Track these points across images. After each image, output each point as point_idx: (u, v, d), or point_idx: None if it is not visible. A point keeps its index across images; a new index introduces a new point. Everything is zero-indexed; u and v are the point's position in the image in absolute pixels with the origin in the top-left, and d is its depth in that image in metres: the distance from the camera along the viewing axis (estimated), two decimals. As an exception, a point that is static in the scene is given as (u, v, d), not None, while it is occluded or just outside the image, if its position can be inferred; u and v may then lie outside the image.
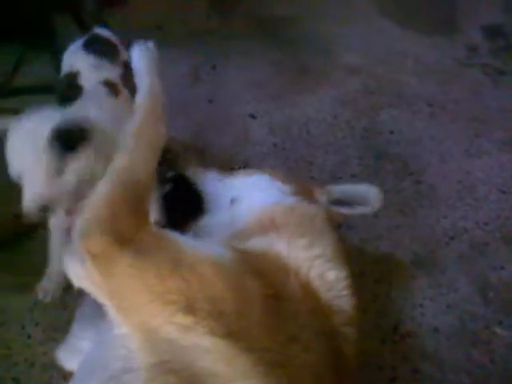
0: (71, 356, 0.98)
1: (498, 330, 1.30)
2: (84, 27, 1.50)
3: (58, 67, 1.63)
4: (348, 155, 1.62)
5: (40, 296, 1.18)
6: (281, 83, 1.83)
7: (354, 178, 1.56)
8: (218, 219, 1.14)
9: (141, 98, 1.02)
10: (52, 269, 1.19)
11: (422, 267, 1.38)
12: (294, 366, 0.80)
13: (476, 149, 1.71)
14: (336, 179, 1.54)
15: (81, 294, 1.11)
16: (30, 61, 1.71)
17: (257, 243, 0.97)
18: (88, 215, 0.81)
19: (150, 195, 0.91)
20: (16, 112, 1.02)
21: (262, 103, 1.72)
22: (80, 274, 0.82)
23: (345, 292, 0.95)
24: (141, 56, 1.11)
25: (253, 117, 1.66)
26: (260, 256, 0.93)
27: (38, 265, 1.20)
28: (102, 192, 0.84)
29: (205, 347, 0.73)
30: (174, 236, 0.85)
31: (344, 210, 1.13)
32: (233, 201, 1.14)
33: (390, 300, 1.32)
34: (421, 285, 1.35)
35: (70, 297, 1.19)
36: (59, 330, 1.13)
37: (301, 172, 1.55)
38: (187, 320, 0.74)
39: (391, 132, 1.72)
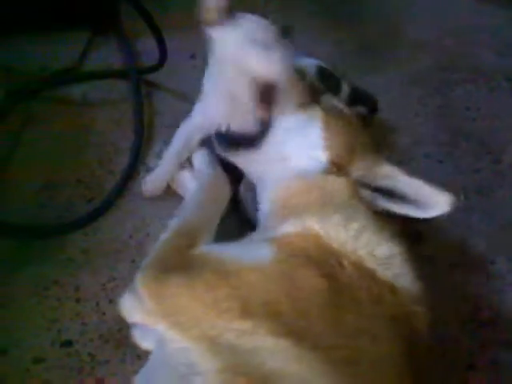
0: (146, 335, 0.98)
1: None
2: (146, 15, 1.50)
3: (125, 52, 1.67)
4: (420, 134, 1.54)
5: (142, 187, 1.28)
6: (345, 64, 1.76)
7: (428, 158, 1.49)
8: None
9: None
10: (162, 167, 1.26)
11: (500, 252, 1.28)
12: (366, 360, 0.76)
13: (562, 124, 1.58)
14: (408, 160, 1.47)
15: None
16: (98, 46, 1.73)
17: (291, 228, 0.91)
18: (148, 260, 0.91)
19: (210, 236, 1.00)
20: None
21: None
22: (132, 307, 0.89)
23: (404, 269, 0.87)
24: None
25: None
26: (302, 242, 0.87)
27: (109, 245, 1.24)
28: (162, 241, 0.96)
29: (269, 348, 0.72)
30: (214, 248, 0.91)
31: (392, 206, 0.94)
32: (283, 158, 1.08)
33: (468, 285, 1.24)
34: (501, 271, 1.27)
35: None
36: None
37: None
38: (246, 324, 0.73)
39: (467, 109, 1.63)
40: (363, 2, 1.99)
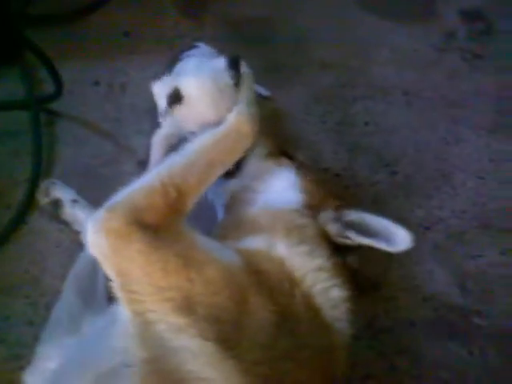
0: (39, 378, 0.96)
1: (476, 321, 1.26)
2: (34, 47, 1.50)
3: (28, 83, 1.65)
4: (320, 150, 1.59)
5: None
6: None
7: (327, 171, 1.53)
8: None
9: (233, 115, 1.03)
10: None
11: (395, 260, 1.34)
12: (284, 381, 0.79)
13: (453, 136, 1.67)
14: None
15: (48, 309, 1.13)
16: (1, 77, 1.70)
17: (255, 242, 0.95)
18: (123, 194, 0.84)
19: (194, 200, 0.91)
20: None
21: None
22: (96, 244, 0.80)
23: (346, 316, 0.93)
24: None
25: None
26: (264, 259, 0.91)
27: (5, 282, 1.21)
28: (147, 181, 0.87)
29: (193, 350, 0.73)
30: (194, 234, 0.85)
31: (363, 239, 0.96)
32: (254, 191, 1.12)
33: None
34: (394, 278, 1.32)
35: (36, 312, 1.18)
36: (26, 346, 1.11)
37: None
38: (180, 321, 0.74)
39: (366, 124, 1.69)
40: (276, 26, 2.03)
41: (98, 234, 0.78)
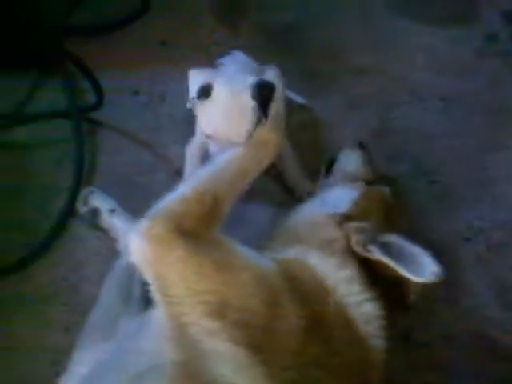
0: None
1: (518, 336, 1.22)
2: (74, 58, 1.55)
3: (69, 92, 1.70)
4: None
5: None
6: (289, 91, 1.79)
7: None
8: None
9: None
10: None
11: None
12: None
13: (494, 143, 1.62)
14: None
15: (84, 316, 1.16)
16: (43, 87, 1.76)
17: (292, 252, 0.97)
18: (163, 203, 0.90)
19: (228, 206, 0.96)
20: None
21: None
22: (138, 250, 0.85)
23: (381, 333, 0.92)
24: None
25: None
26: (299, 266, 0.92)
27: (43, 289, 1.25)
28: (184, 190, 0.92)
29: (225, 354, 0.75)
30: (230, 241, 0.89)
31: (385, 258, 0.93)
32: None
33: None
34: (434, 290, 1.29)
35: (73, 319, 1.21)
36: (63, 352, 1.11)
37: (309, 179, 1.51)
38: (213, 324, 0.76)
39: (403, 130, 1.67)
40: (311, 32, 2.02)
41: (142, 241, 0.83)
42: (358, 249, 0.97)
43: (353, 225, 1.01)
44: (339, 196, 1.14)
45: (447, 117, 1.71)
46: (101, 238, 1.34)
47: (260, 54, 1.65)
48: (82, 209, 1.37)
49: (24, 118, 1.64)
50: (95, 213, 1.34)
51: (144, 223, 0.85)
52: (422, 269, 0.90)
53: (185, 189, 0.93)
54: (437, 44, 1.97)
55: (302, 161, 1.51)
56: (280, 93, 1.18)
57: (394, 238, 0.97)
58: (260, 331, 0.78)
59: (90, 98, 1.62)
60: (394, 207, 1.20)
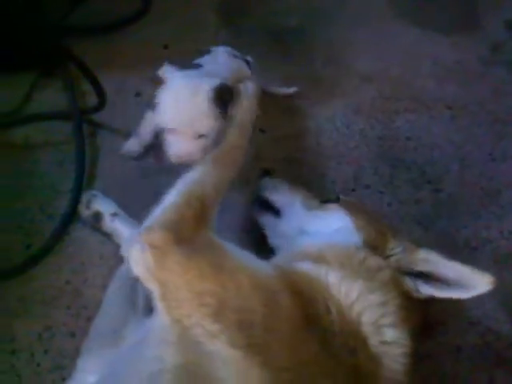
0: None
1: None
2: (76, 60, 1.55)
3: (70, 94, 1.67)
4: (362, 165, 1.56)
5: (124, 149, 1.27)
6: (293, 97, 1.78)
7: (368, 189, 1.50)
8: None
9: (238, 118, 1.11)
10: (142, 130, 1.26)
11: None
12: None
13: (500, 152, 1.62)
14: (349, 191, 1.48)
15: (89, 320, 1.14)
16: (44, 88, 1.73)
17: (307, 267, 0.96)
18: (157, 211, 0.93)
19: (215, 207, 1.00)
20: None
21: (272, 117, 1.68)
22: (139, 260, 0.87)
23: (401, 366, 0.90)
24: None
25: (262, 131, 1.62)
26: (305, 282, 0.91)
27: (46, 292, 1.23)
28: (173, 197, 0.96)
29: (224, 357, 0.76)
30: (224, 243, 0.92)
31: (431, 291, 0.95)
32: (302, 232, 1.15)
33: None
34: (440, 301, 1.28)
35: (78, 323, 1.20)
36: (67, 356, 1.13)
37: (313, 184, 1.50)
38: (214, 326, 0.77)
39: (408, 138, 1.66)
40: (315, 37, 2.01)
41: (140, 250, 0.86)
42: (415, 294, 0.97)
43: (396, 258, 1.01)
44: (337, 228, 1.11)
45: (452, 125, 1.71)
46: (104, 242, 1.31)
47: (263, 58, 1.65)
48: (84, 212, 1.34)
49: (24, 119, 1.60)
50: (97, 216, 1.32)
51: (141, 232, 0.88)
52: (471, 283, 0.91)
53: (173, 196, 0.96)
54: (442, 52, 1.97)
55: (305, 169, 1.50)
56: (254, 93, 1.19)
57: (426, 254, 0.98)
58: (258, 331, 0.79)
59: (93, 99, 1.60)
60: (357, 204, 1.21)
